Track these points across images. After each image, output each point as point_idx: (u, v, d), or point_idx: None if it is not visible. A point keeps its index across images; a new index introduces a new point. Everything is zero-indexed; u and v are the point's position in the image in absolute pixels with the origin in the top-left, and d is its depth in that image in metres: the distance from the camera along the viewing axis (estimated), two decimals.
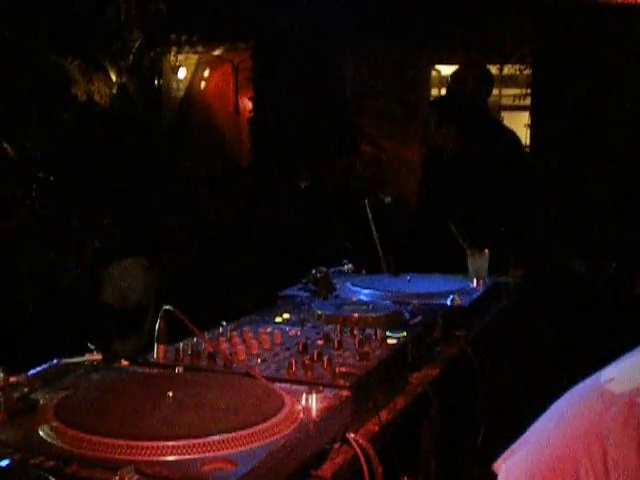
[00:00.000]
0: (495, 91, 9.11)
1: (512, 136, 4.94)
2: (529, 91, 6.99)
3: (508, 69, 8.38)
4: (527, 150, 5.92)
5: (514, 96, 8.25)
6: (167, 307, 1.99)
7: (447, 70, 8.87)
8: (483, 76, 5.08)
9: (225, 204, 7.66)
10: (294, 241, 6.39)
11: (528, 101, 7.05)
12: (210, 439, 1.49)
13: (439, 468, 2.57)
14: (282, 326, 2.44)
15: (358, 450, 1.84)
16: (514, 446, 1.77)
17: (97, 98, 8.77)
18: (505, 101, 9.12)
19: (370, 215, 3.34)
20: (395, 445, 2.07)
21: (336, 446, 1.83)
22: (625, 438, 1.55)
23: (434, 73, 9.33)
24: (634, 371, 1.73)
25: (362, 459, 1.84)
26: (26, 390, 1.74)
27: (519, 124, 6.75)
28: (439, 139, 4.61)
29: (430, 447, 2.52)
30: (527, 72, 7.52)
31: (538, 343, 4.21)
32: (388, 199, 4.48)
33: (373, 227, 3.37)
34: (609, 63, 5.20)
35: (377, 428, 2.01)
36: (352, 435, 1.86)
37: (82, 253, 5.28)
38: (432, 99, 7.33)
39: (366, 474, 1.83)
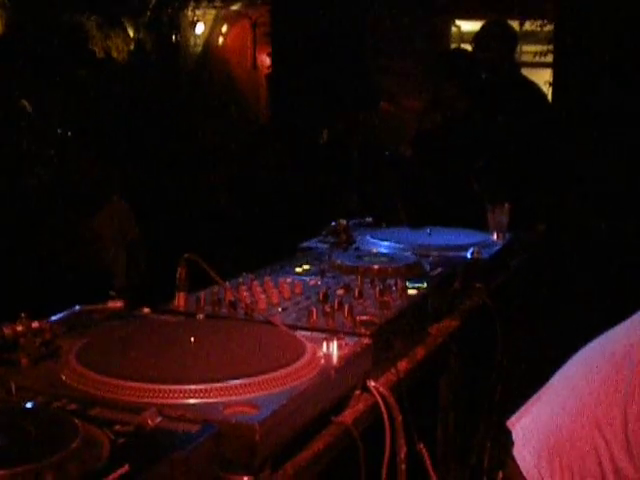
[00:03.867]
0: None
1: (539, 92, 4.95)
2: (550, 47, 6.89)
3: (529, 25, 8.27)
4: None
5: (535, 53, 8.14)
6: (188, 255, 1.99)
7: (467, 26, 8.78)
8: (505, 35, 5.08)
9: (245, 159, 7.66)
10: (314, 195, 6.38)
11: (549, 58, 6.96)
12: (232, 383, 1.49)
13: (457, 419, 2.58)
14: (302, 276, 2.44)
15: (379, 398, 1.85)
16: (528, 404, 1.77)
17: (115, 54, 8.74)
18: (525, 58, 9.01)
19: (391, 168, 3.33)
20: (414, 395, 2.07)
21: (357, 393, 1.84)
22: None
23: (454, 29, 9.23)
24: None
25: (383, 407, 1.84)
26: (48, 336, 1.74)
27: (540, 81, 6.68)
28: (443, 92, 4.63)
29: (449, 398, 2.52)
30: (548, 28, 7.41)
31: (557, 298, 4.21)
32: (409, 152, 4.45)
33: (394, 180, 3.35)
34: (633, 16, 5.12)
35: (397, 377, 2.01)
36: (373, 383, 1.87)
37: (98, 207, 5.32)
38: (440, 52, 7.24)
39: (386, 422, 1.84)
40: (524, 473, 1.63)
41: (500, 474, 1.76)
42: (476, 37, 5.25)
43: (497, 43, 4.96)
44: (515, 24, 8.41)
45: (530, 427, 1.69)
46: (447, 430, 2.56)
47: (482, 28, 5.25)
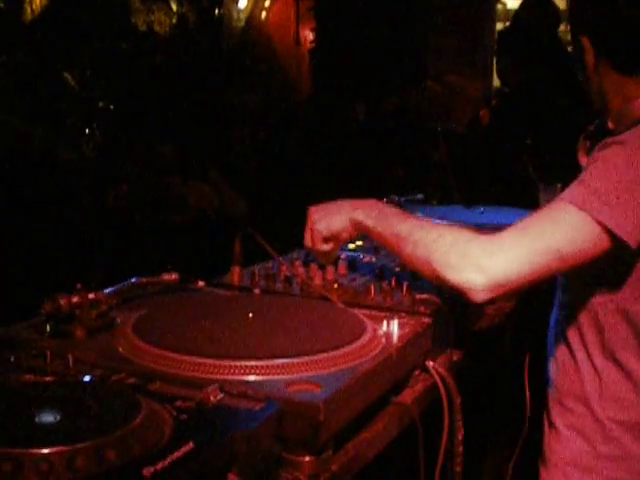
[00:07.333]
0: (562, 27, 8.91)
1: None
2: None
3: None
4: None
5: None
6: (245, 229, 1.95)
7: (512, 3, 8.65)
8: (545, 12, 4.98)
9: (286, 136, 7.61)
10: (362, 172, 6.31)
11: None
12: (295, 360, 1.45)
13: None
14: (356, 253, 2.39)
15: (438, 379, 1.81)
16: None
17: (157, 28, 8.71)
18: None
19: (442, 145, 3.27)
20: (473, 374, 2.03)
21: (415, 373, 1.80)
22: None
23: (499, 6, 9.12)
24: None
25: (442, 388, 1.80)
26: (104, 308, 1.71)
27: None
28: (503, 69, 4.59)
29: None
30: None
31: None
32: (460, 129, 4.38)
33: (445, 157, 3.29)
34: None
35: (455, 357, 1.97)
36: (432, 363, 1.82)
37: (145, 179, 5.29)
38: (500, 30, 7.17)
39: (445, 403, 1.80)
40: None
41: None
42: (515, 14, 5.19)
43: (536, 20, 4.87)
44: (563, 2, 8.29)
45: None
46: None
47: (521, 5, 5.18)
